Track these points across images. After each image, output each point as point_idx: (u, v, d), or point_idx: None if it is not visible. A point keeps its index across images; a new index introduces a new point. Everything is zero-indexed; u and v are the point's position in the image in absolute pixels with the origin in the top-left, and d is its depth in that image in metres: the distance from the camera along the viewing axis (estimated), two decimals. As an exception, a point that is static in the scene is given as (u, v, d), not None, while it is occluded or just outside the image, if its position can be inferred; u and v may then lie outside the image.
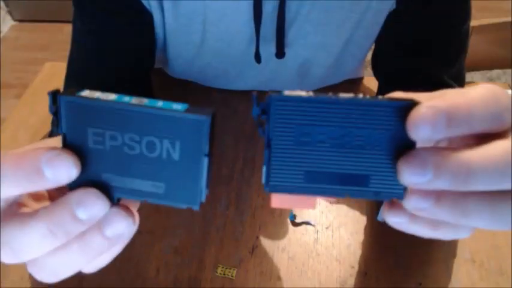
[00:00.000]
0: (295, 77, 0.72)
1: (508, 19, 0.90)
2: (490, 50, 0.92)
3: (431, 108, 0.20)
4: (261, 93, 0.21)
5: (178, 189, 0.23)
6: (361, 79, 0.81)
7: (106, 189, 0.23)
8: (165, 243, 0.56)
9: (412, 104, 0.20)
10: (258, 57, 0.63)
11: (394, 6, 0.61)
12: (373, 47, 0.69)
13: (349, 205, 0.61)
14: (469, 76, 0.67)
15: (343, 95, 0.21)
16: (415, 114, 0.20)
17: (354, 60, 0.72)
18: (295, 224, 0.58)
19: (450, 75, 0.61)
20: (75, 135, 0.22)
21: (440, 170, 0.19)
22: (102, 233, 0.23)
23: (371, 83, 0.79)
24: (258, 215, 0.59)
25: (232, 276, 0.52)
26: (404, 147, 0.21)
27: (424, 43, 0.62)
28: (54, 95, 0.22)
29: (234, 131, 0.70)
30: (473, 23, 0.63)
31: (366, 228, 0.58)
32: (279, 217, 0.59)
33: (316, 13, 0.60)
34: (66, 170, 0.22)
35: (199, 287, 0.52)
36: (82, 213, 0.22)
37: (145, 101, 0.21)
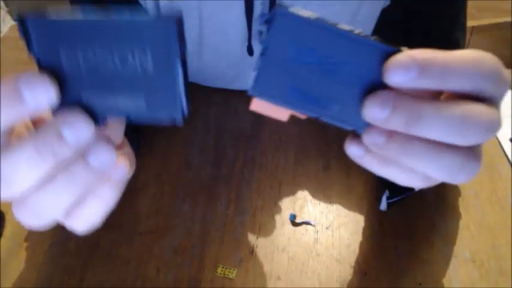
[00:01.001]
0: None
1: (508, 19, 0.90)
2: (490, 50, 0.92)
3: (408, 57, 0.21)
4: None
5: (157, 100, 0.23)
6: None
7: (89, 111, 0.23)
8: (165, 244, 0.56)
9: (397, 51, 0.22)
10: (250, 50, 0.64)
11: (388, 2, 0.61)
12: None
13: (349, 205, 0.61)
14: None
15: (342, 26, 0.23)
16: (393, 59, 0.22)
17: None
18: (295, 224, 0.58)
19: None
20: (48, 58, 0.22)
21: (396, 110, 0.22)
22: (85, 161, 0.23)
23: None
24: (258, 215, 0.59)
25: (232, 276, 0.52)
26: (378, 88, 0.23)
27: (418, 38, 0.62)
28: (21, 17, 0.21)
29: (234, 131, 0.70)
30: (473, 23, 0.63)
31: (365, 228, 0.58)
32: (279, 217, 0.59)
33: (311, 8, 0.60)
34: (44, 90, 0.22)
35: (199, 287, 0.52)
36: (68, 133, 0.22)
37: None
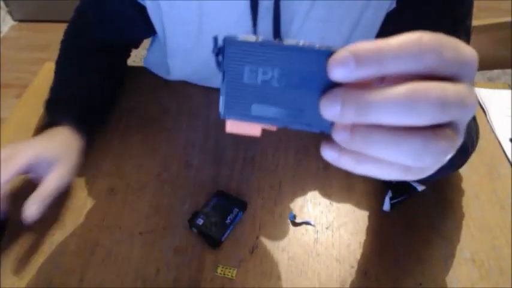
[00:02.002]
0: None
1: (508, 19, 0.90)
2: (490, 50, 0.92)
3: (343, 51, 0.23)
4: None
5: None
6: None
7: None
8: (165, 244, 0.56)
9: (334, 51, 0.24)
10: None
11: (394, 5, 0.61)
12: None
13: (349, 205, 0.61)
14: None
15: (287, 42, 0.25)
16: (332, 57, 0.23)
17: None
18: (295, 224, 0.58)
19: None
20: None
21: (345, 103, 0.23)
22: None
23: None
24: (258, 215, 0.59)
25: (232, 276, 0.52)
26: (332, 87, 0.25)
27: None
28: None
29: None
30: (473, 22, 0.63)
31: (365, 228, 0.58)
32: (279, 217, 0.59)
33: (317, 10, 0.60)
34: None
35: (199, 287, 0.52)
36: None
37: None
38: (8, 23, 2.54)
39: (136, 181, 0.63)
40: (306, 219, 0.59)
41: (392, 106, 0.22)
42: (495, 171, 0.65)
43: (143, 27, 0.75)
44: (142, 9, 0.69)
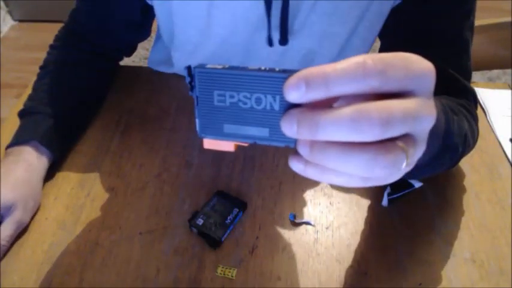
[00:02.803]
0: (298, 67, 0.72)
1: (508, 19, 0.90)
2: (490, 50, 0.92)
3: (295, 77, 0.26)
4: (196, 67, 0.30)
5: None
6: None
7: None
8: (165, 244, 0.56)
9: (289, 76, 0.27)
10: (270, 41, 0.64)
11: (398, 1, 0.61)
12: (377, 45, 0.69)
13: (349, 205, 0.61)
14: (469, 76, 0.67)
15: (250, 67, 0.29)
16: (286, 81, 0.26)
17: (358, 52, 0.72)
18: (295, 224, 0.58)
19: (455, 69, 0.61)
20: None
21: (299, 123, 0.26)
22: None
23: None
24: (258, 215, 0.59)
25: (232, 277, 0.52)
26: (292, 107, 0.28)
27: (429, 37, 0.62)
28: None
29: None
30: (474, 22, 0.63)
31: (365, 228, 0.58)
32: (279, 217, 0.59)
33: (322, 3, 0.60)
34: None
35: (199, 287, 0.52)
36: None
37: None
38: (8, 23, 2.54)
39: (136, 181, 0.63)
40: (306, 219, 0.59)
41: (339, 126, 0.25)
42: (495, 171, 0.65)
43: (139, 29, 0.75)
44: (145, 8, 0.69)
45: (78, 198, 0.61)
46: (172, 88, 0.79)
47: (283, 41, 0.64)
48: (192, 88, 0.30)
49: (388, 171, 0.26)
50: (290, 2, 0.59)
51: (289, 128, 0.27)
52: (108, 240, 0.56)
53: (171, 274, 0.53)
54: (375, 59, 0.25)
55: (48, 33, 0.78)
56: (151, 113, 0.75)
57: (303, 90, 0.26)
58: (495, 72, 1.87)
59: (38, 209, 0.60)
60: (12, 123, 0.66)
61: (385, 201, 0.60)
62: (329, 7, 0.61)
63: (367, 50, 0.73)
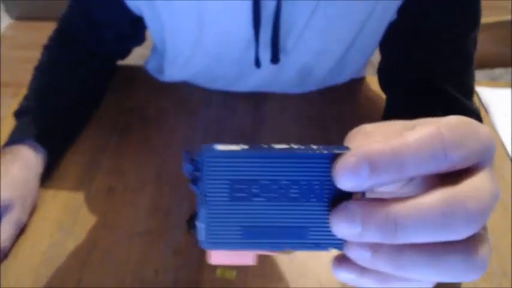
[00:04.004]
0: (295, 80, 0.72)
1: (510, 17, 0.90)
2: (492, 49, 0.91)
3: (353, 156, 0.19)
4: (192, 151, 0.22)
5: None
6: (363, 79, 0.80)
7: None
8: (164, 244, 0.55)
9: (338, 154, 0.20)
10: (257, 63, 0.63)
11: (395, 17, 0.60)
12: (377, 56, 0.69)
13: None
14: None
15: (276, 147, 0.21)
16: (338, 163, 0.20)
17: (355, 64, 0.72)
18: (295, 225, 0.58)
19: (456, 86, 0.60)
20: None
21: (367, 224, 0.19)
22: None
23: (373, 81, 0.78)
24: (258, 215, 0.58)
25: (232, 278, 0.52)
26: (341, 197, 0.21)
27: (428, 52, 0.61)
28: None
29: (233, 131, 0.70)
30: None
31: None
32: (279, 217, 0.58)
33: (317, 20, 0.59)
34: None
35: (198, 289, 0.51)
36: None
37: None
38: (5, 21, 2.53)
39: (135, 181, 0.63)
40: (306, 219, 0.58)
41: (427, 225, 0.19)
42: (497, 172, 0.65)
43: (131, 38, 0.74)
44: (134, 20, 0.68)
45: (76, 198, 0.61)
46: (172, 88, 0.78)
47: (275, 60, 0.63)
48: (195, 180, 0.22)
49: (481, 273, 0.20)
50: (282, 20, 0.58)
51: (349, 228, 0.20)
52: (106, 240, 0.56)
53: (170, 275, 0.52)
54: (451, 129, 0.19)
55: (45, 31, 0.78)
56: (151, 112, 0.74)
57: (366, 174, 0.19)
58: (497, 71, 1.87)
59: (35, 209, 0.59)
60: (10, 123, 0.65)
61: None
62: (323, 25, 0.60)
63: (365, 61, 0.72)
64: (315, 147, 0.21)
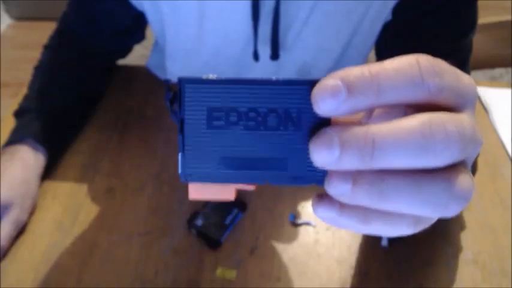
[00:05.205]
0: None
1: (509, 17, 0.89)
2: (492, 49, 0.91)
3: (331, 79, 0.19)
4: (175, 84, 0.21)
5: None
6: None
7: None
8: (164, 244, 0.55)
9: (317, 81, 0.20)
10: (256, 55, 0.63)
11: (390, 17, 0.61)
12: (373, 54, 0.69)
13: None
14: (471, 75, 0.66)
15: (255, 78, 0.21)
16: (316, 86, 0.19)
17: (353, 63, 0.72)
18: (295, 225, 0.58)
19: None
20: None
21: (345, 145, 0.18)
22: None
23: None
24: (257, 215, 0.58)
25: (232, 278, 0.52)
26: (320, 126, 0.20)
27: (422, 51, 0.61)
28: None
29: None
30: (475, 21, 0.63)
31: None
32: (279, 218, 0.58)
33: (315, 17, 0.60)
34: None
35: (198, 289, 0.51)
36: None
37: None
38: (5, 21, 2.53)
39: (135, 181, 0.63)
40: (306, 219, 0.58)
41: (405, 146, 0.18)
42: (498, 172, 0.65)
43: (131, 34, 0.74)
44: (135, 15, 0.68)
45: (76, 199, 0.61)
46: (171, 87, 0.78)
47: (274, 56, 0.63)
48: (174, 110, 0.21)
49: (461, 205, 0.20)
50: (281, 16, 0.58)
51: (327, 154, 0.19)
52: (106, 240, 0.56)
53: (170, 275, 0.52)
54: (429, 59, 0.19)
55: (45, 31, 0.77)
56: (150, 112, 0.74)
57: (343, 96, 0.18)
58: (498, 71, 1.86)
59: (35, 210, 0.59)
60: (10, 123, 0.65)
61: (384, 242, 0.56)
62: (322, 21, 0.60)
63: (364, 61, 0.72)
64: (293, 78, 0.21)
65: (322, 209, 0.21)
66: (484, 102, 0.77)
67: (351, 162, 0.19)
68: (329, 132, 0.19)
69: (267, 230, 0.57)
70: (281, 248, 0.55)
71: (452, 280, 0.52)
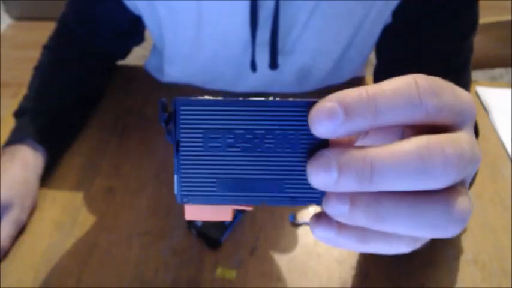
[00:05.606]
0: (294, 80, 0.72)
1: (509, 17, 0.89)
2: (492, 49, 0.91)
3: (328, 102, 0.19)
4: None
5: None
6: (362, 79, 0.80)
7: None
8: (164, 244, 0.55)
9: (315, 102, 0.20)
10: (253, 66, 0.63)
11: (390, 20, 0.61)
12: (373, 54, 0.69)
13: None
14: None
15: (252, 98, 0.21)
16: (313, 109, 0.19)
17: (353, 64, 0.72)
18: (295, 225, 0.57)
19: None
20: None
21: (343, 169, 0.19)
22: None
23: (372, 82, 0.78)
24: (258, 215, 0.58)
25: (232, 278, 0.52)
26: (317, 147, 0.20)
27: (421, 57, 0.61)
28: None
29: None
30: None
31: (367, 228, 0.57)
32: (279, 218, 0.58)
33: (316, 20, 0.59)
34: None
35: (198, 289, 0.51)
36: None
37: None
38: (5, 21, 2.53)
39: (134, 181, 0.63)
40: (306, 220, 0.58)
41: (403, 169, 0.18)
42: (498, 172, 0.65)
43: (130, 36, 0.74)
44: (132, 18, 0.68)
45: (76, 199, 0.61)
46: (171, 88, 0.78)
47: (273, 64, 0.62)
48: (169, 131, 0.21)
49: (460, 227, 0.19)
50: (281, 19, 0.58)
51: (325, 176, 0.19)
52: (106, 240, 0.56)
53: (169, 275, 0.52)
54: (426, 78, 0.19)
55: (45, 31, 0.77)
56: (150, 113, 0.74)
57: (341, 119, 0.18)
58: (498, 71, 1.86)
59: (35, 210, 0.59)
60: (10, 123, 0.65)
61: None
62: (322, 25, 0.60)
63: (364, 61, 0.72)
64: (290, 99, 0.21)
65: (320, 229, 0.21)
66: (484, 102, 0.77)
67: (349, 185, 0.19)
68: (327, 155, 0.19)
69: (267, 230, 0.57)
70: (281, 248, 0.55)
71: (452, 280, 0.52)
